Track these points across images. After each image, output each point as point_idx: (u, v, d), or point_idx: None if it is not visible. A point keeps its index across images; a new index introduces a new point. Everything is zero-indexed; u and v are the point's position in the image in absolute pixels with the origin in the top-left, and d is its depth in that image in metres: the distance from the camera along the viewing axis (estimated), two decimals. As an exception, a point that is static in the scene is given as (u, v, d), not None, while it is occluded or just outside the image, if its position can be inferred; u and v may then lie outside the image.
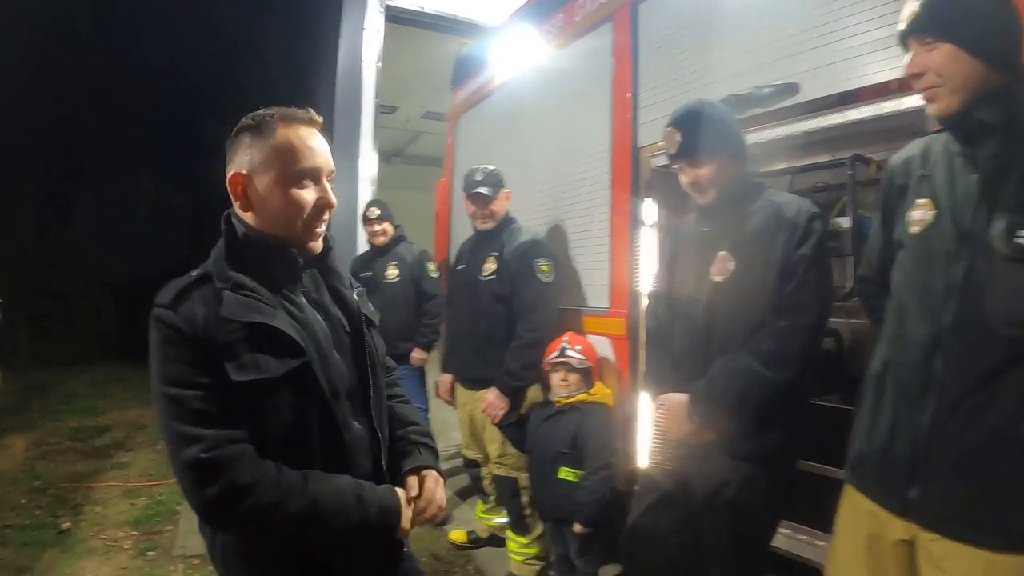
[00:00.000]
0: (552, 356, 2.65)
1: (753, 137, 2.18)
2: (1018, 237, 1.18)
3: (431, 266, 3.95)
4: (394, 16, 5.41)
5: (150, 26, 13.64)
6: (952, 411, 1.27)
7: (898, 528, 1.38)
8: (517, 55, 3.61)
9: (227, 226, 1.27)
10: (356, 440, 1.30)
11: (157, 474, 5.13)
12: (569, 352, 2.60)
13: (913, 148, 1.49)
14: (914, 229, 1.40)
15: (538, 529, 2.90)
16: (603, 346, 2.78)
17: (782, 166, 2.50)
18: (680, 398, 1.86)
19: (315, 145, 1.27)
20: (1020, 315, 1.19)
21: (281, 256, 1.27)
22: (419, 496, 1.38)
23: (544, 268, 2.78)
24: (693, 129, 1.86)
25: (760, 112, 2.19)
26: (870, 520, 1.45)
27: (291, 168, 1.23)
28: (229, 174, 1.26)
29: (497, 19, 4.65)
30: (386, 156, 8.64)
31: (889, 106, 1.79)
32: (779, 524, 2.02)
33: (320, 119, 1.31)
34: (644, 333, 2.40)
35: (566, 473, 2.59)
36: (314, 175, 1.26)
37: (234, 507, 1.12)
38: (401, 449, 1.45)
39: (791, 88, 2.11)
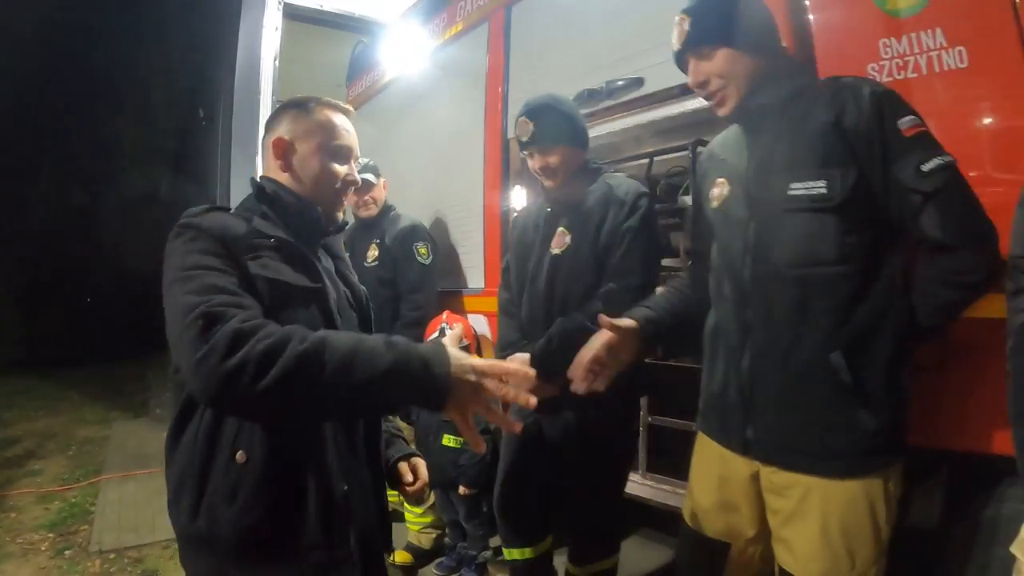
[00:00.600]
0: (432, 336, 2.84)
1: (611, 126, 2.48)
2: (792, 191, 1.42)
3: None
4: (292, 14, 5.48)
5: (52, 21, 12.96)
6: (764, 355, 1.48)
7: (743, 466, 1.56)
8: (405, 53, 3.81)
9: (258, 187, 1.37)
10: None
11: (70, 478, 5.12)
12: (448, 331, 2.80)
13: (715, 139, 1.78)
14: (715, 204, 1.66)
15: (431, 499, 3.08)
16: (481, 324, 3.01)
17: (639, 152, 2.81)
18: (524, 356, 2.05)
19: (350, 129, 1.42)
20: (802, 254, 1.41)
21: (310, 213, 1.36)
22: (415, 480, 1.47)
23: (423, 251, 3.00)
24: (544, 119, 2.08)
25: (613, 104, 2.45)
26: (719, 462, 1.62)
27: (330, 142, 1.37)
28: (271, 138, 1.37)
29: (392, 17, 4.83)
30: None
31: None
32: (628, 466, 2.32)
33: (353, 110, 1.46)
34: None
35: (448, 440, 2.81)
36: (346, 153, 1.41)
37: (250, 353, 0.96)
38: (385, 440, 1.52)
39: (638, 82, 2.38)
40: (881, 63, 1.66)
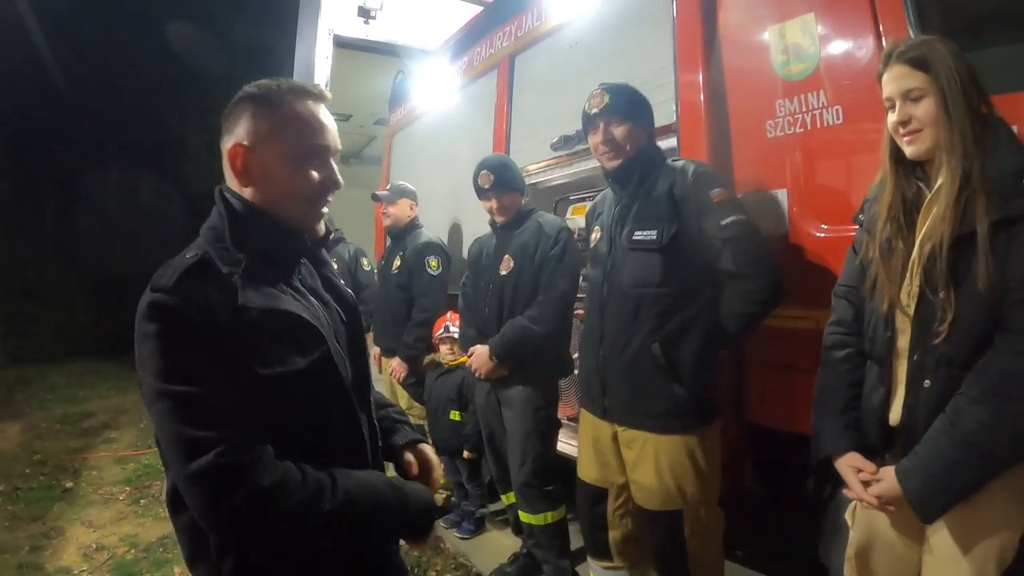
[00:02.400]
0: (439, 332, 3.48)
1: (580, 167, 3.05)
2: (635, 236, 2.03)
3: (364, 261, 4.81)
4: (342, 43, 6.18)
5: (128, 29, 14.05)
6: (612, 347, 2.08)
7: (606, 428, 2.17)
8: (436, 88, 4.43)
9: (224, 202, 1.13)
10: (370, 432, 1.24)
11: (142, 445, 5.89)
12: (452, 329, 3.41)
13: (599, 196, 2.40)
14: (592, 244, 2.29)
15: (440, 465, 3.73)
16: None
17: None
18: (484, 348, 2.78)
19: (325, 121, 1.17)
20: (637, 280, 2.02)
21: (286, 236, 1.17)
22: (422, 467, 1.36)
23: (433, 264, 3.60)
24: (499, 173, 2.83)
25: (582, 148, 2.97)
26: (593, 427, 2.22)
27: (300, 142, 1.14)
28: (227, 145, 1.13)
29: (429, 44, 5.46)
30: (345, 158, 9.34)
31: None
32: (557, 427, 2.91)
33: (330, 95, 1.21)
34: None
35: (455, 415, 3.44)
36: (322, 152, 1.17)
37: (260, 515, 0.96)
38: (387, 427, 1.39)
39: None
40: (776, 120, 2.12)
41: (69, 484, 4.87)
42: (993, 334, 1.30)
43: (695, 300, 1.97)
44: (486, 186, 2.84)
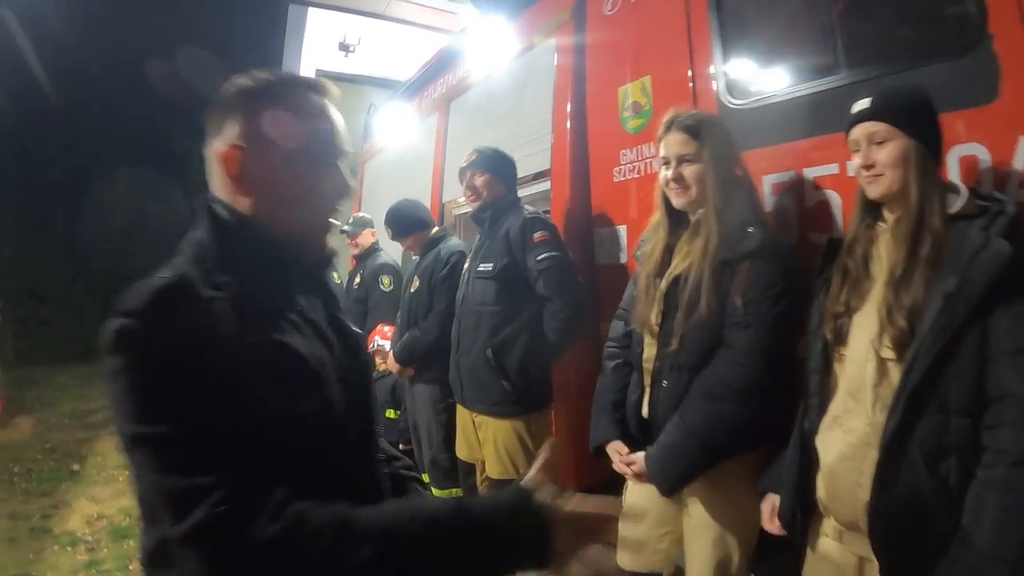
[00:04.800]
0: (369, 346, 3.72)
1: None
2: (478, 268, 2.61)
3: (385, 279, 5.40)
4: (324, 75, 6.87)
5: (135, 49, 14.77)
6: (465, 352, 2.64)
7: (467, 414, 2.75)
8: (395, 124, 5.09)
9: (211, 216, 0.98)
10: (374, 488, 1.07)
11: (142, 436, 6.54)
12: (379, 342, 3.70)
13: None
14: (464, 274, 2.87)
15: None
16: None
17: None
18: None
19: (335, 118, 1.03)
20: (478, 301, 2.59)
21: (286, 256, 1.00)
22: None
23: (386, 282, 4.18)
24: (394, 223, 3.53)
25: None
26: (462, 415, 2.81)
27: (309, 142, 1.00)
28: (221, 147, 0.98)
29: (402, 75, 6.12)
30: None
31: (539, 186, 3.24)
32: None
33: (337, 92, 1.07)
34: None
35: (390, 413, 3.96)
36: (332, 154, 1.03)
37: (278, 572, 0.77)
38: (396, 486, 1.20)
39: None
40: (620, 167, 2.67)
41: (76, 467, 5.55)
42: (715, 348, 1.68)
43: (520, 317, 2.55)
44: (391, 237, 3.55)
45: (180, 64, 13.43)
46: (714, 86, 2.25)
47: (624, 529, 1.87)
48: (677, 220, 1.87)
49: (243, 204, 0.99)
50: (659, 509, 1.88)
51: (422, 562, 0.82)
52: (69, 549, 3.90)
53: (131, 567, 3.60)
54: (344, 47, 6.98)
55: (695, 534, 1.80)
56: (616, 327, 2.10)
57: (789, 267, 1.68)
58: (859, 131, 1.43)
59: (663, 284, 1.80)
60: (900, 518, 1.30)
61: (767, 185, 2.05)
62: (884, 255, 1.42)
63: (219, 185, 1.01)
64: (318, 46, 6.72)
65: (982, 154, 1.57)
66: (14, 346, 12.85)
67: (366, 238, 4.47)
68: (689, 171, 1.77)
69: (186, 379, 0.82)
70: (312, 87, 1.03)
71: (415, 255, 3.51)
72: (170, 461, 0.80)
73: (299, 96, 1.01)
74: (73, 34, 13.55)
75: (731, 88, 2.21)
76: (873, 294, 1.42)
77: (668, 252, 1.84)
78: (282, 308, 0.98)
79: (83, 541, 4.01)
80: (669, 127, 1.81)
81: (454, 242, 3.37)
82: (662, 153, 1.83)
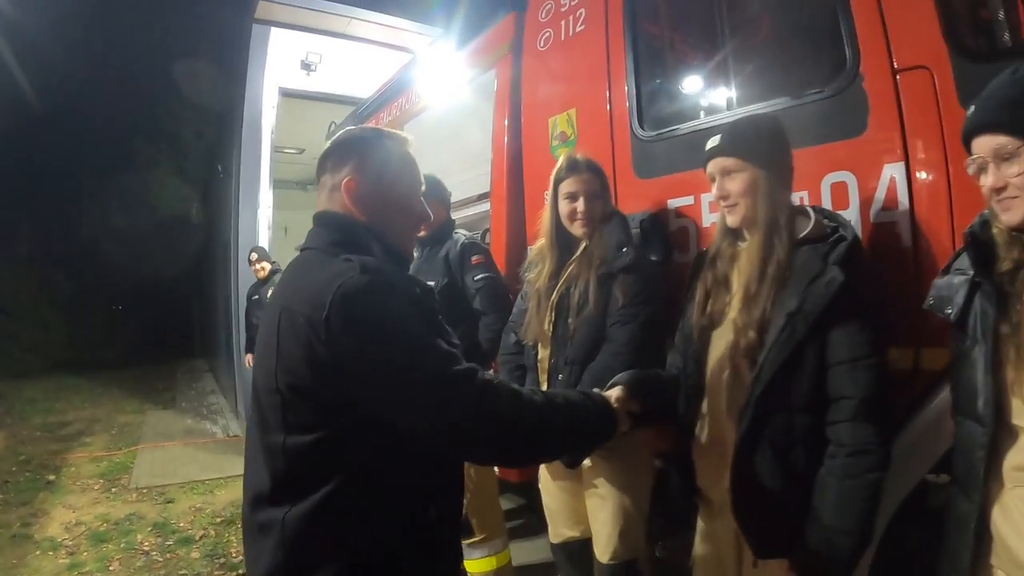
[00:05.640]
0: None
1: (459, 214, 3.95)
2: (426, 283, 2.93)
3: None
4: (288, 93, 7.14)
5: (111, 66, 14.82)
6: None
7: None
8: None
9: (347, 222, 1.34)
10: None
11: (114, 447, 6.75)
12: None
13: None
14: None
15: None
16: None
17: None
18: None
19: (415, 162, 1.42)
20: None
21: (401, 254, 1.43)
22: None
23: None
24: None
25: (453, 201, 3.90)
26: None
27: (409, 178, 1.40)
28: (342, 178, 1.32)
29: (362, 92, 6.37)
30: (302, 185, 10.20)
31: (481, 207, 3.56)
32: None
33: (413, 140, 1.44)
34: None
35: None
36: (419, 189, 1.43)
37: (511, 415, 1.23)
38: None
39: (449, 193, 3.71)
40: (550, 190, 2.97)
41: (51, 477, 5.72)
42: (599, 344, 2.04)
43: (456, 329, 2.80)
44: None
45: (147, 79, 13.56)
46: (627, 119, 2.58)
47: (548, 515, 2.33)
48: (563, 247, 2.20)
49: (356, 217, 1.35)
50: (568, 497, 2.26)
51: (570, 427, 1.37)
52: (51, 554, 4.08)
53: (111, 568, 3.82)
54: (306, 65, 7.20)
55: (598, 507, 2.11)
56: (507, 339, 2.45)
57: (654, 278, 2.06)
58: (712, 166, 1.65)
59: (554, 296, 2.15)
60: (759, 500, 1.53)
61: (671, 207, 2.38)
62: (742, 272, 1.67)
63: (335, 204, 1.35)
64: (280, 64, 6.93)
65: (851, 181, 1.88)
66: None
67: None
68: (583, 204, 2.12)
69: (433, 314, 1.29)
70: (404, 140, 1.41)
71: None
72: (450, 356, 1.22)
73: (392, 147, 1.38)
74: (41, 48, 13.52)
75: (642, 121, 2.54)
76: (731, 307, 1.68)
77: (556, 273, 2.19)
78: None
79: (63, 546, 4.20)
80: (578, 167, 2.16)
81: None
82: (571, 189, 2.14)
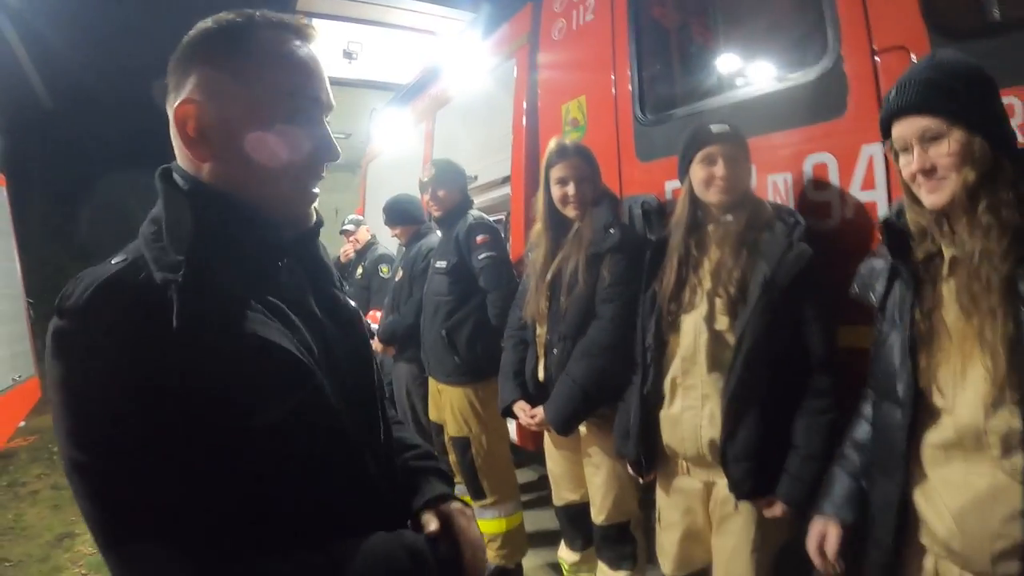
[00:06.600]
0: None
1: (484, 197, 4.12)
2: (436, 264, 3.14)
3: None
4: (333, 82, 7.40)
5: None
6: (427, 332, 3.24)
7: (434, 383, 3.27)
8: (392, 129, 5.60)
9: (168, 186, 0.83)
10: (387, 482, 0.95)
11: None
12: (370, 325, 4.08)
13: None
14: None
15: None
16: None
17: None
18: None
19: (315, 67, 0.87)
20: (436, 292, 3.09)
21: (257, 229, 0.85)
22: (446, 534, 0.96)
23: (384, 270, 4.69)
24: (389, 213, 3.92)
25: (476, 186, 4.03)
26: (430, 382, 3.30)
27: (283, 93, 0.83)
28: (176, 103, 0.81)
29: (400, 78, 6.57)
30: (351, 168, 10.51)
31: (504, 190, 3.71)
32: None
33: (317, 32, 0.89)
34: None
35: None
36: (312, 108, 0.86)
37: None
38: (406, 483, 1.04)
39: (474, 178, 3.90)
40: None
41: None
42: (589, 320, 2.19)
43: (468, 304, 3.03)
44: (384, 223, 4.02)
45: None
46: (630, 105, 2.71)
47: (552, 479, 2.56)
48: (557, 229, 2.36)
49: (204, 171, 0.84)
50: (569, 464, 2.46)
51: None
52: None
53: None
54: (348, 54, 7.44)
55: (593, 473, 2.32)
56: (513, 315, 2.61)
57: (641, 258, 2.12)
58: (716, 149, 1.84)
59: (549, 276, 2.31)
60: (748, 447, 1.73)
61: (668, 188, 2.51)
62: (719, 248, 1.85)
63: (179, 151, 0.86)
64: (323, 54, 7.15)
65: (831, 162, 1.97)
66: (42, 343, 13.42)
67: (363, 234, 5.12)
68: (571, 188, 2.28)
69: (137, 392, 0.69)
70: (288, 28, 0.86)
71: (402, 245, 3.99)
72: (116, 504, 0.69)
73: (269, 40, 0.84)
74: (62, 41, 13.93)
75: (643, 105, 2.67)
76: (703, 278, 1.86)
77: (551, 254, 2.34)
78: (253, 289, 0.83)
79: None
80: (567, 153, 2.31)
81: (433, 239, 3.78)
82: (561, 175, 2.29)
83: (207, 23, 0.84)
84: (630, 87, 2.72)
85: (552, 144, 2.38)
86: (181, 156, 0.86)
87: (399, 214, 3.94)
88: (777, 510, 1.73)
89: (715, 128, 1.87)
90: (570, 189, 2.29)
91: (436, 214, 3.26)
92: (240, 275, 0.81)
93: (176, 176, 0.85)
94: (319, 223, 0.95)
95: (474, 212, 3.25)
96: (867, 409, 1.52)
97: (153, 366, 0.69)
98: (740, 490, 1.77)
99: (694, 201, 1.91)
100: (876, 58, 1.86)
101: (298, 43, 0.86)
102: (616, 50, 2.81)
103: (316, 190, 0.91)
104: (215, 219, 0.81)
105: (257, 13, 0.84)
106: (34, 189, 15.08)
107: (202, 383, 0.71)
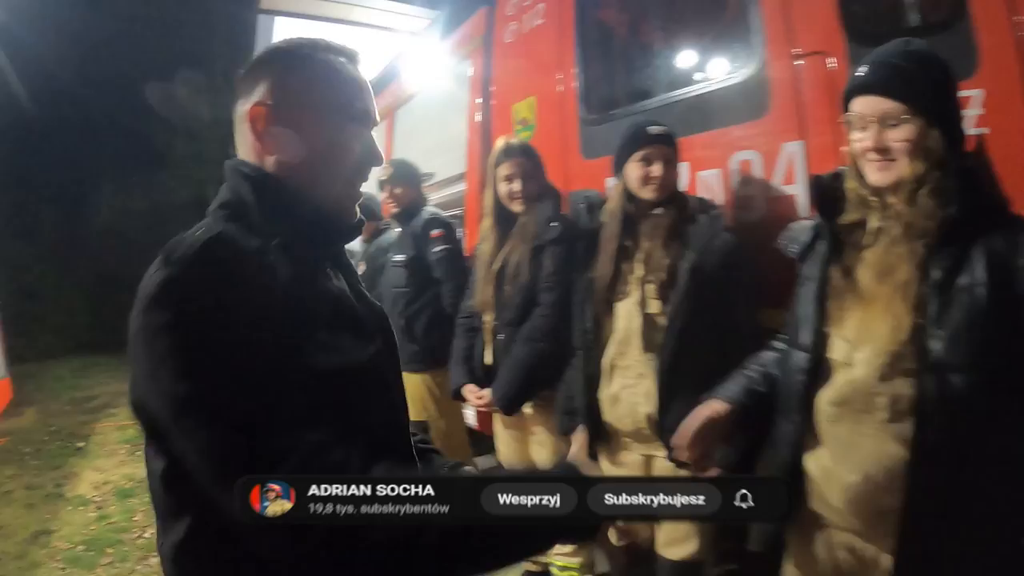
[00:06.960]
0: None
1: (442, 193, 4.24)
2: (394, 258, 3.30)
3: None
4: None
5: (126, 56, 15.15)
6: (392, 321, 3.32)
7: (408, 375, 3.30)
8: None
9: (242, 175, 0.94)
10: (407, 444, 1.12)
11: (139, 416, 7.17)
12: None
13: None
14: None
15: None
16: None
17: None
18: None
19: (364, 85, 1.01)
20: (393, 283, 3.22)
21: (319, 215, 0.96)
22: None
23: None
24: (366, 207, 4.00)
25: (432, 183, 4.16)
26: (406, 376, 3.34)
27: (339, 102, 0.97)
28: (245, 107, 0.96)
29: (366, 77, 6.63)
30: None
31: (460, 186, 3.85)
32: None
33: (362, 56, 1.03)
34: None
35: None
36: (362, 117, 1.00)
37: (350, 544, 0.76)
38: (419, 454, 1.21)
39: (431, 175, 4.04)
40: None
41: (80, 444, 6.18)
42: (532, 308, 2.33)
43: (424, 295, 3.17)
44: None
45: (156, 71, 13.85)
46: (575, 105, 2.87)
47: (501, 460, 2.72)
48: (504, 223, 2.51)
49: (268, 164, 0.96)
50: (516, 444, 2.61)
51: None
52: (81, 508, 4.53)
53: (135, 519, 4.24)
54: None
55: (538, 451, 2.48)
56: (465, 304, 2.73)
57: (573, 248, 2.27)
58: (653, 151, 1.99)
59: (495, 267, 2.47)
60: (681, 420, 1.70)
61: (609, 185, 2.65)
62: (647, 238, 2.01)
63: (245, 148, 0.98)
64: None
65: (756, 159, 2.14)
66: (11, 344, 13.25)
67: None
68: (517, 185, 2.42)
69: (243, 332, 0.76)
70: (343, 52, 1.01)
71: (363, 241, 4.10)
72: (234, 420, 0.75)
73: (327, 60, 0.98)
74: (48, 44, 13.79)
75: (587, 107, 2.83)
76: (636, 267, 2.02)
77: (498, 247, 2.49)
78: (323, 262, 0.98)
79: (92, 502, 4.65)
80: (512, 152, 2.45)
81: (391, 234, 3.91)
82: (507, 172, 2.44)
83: (278, 44, 1.01)
84: (576, 88, 2.87)
85: (499, 143, 2.53)
86: (247, 150, 0.98)
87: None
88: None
89: (652, 130, 2.02)
90: (516, 185, 2.43)
91: (394, 210, 3.38)
92: (312, 253, 0.95)
93: (243, 168, 0.96)
94: (360, 221, 1.05)
95: (429, 208, 3.38)
96: (777, 345, 1.58)
97: (261, 311, 0.79)
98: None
99: (628, 196, 2.06)
100: (797, 62, 2.01)
101: (350, 65, 1.01)
102: (563, 53, 2.96)
103: (360, 189, 1.03)
104: (285, 202, 0.94)
105: (320, 39, 1.00)
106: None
107: (302, 329, 0.83)
